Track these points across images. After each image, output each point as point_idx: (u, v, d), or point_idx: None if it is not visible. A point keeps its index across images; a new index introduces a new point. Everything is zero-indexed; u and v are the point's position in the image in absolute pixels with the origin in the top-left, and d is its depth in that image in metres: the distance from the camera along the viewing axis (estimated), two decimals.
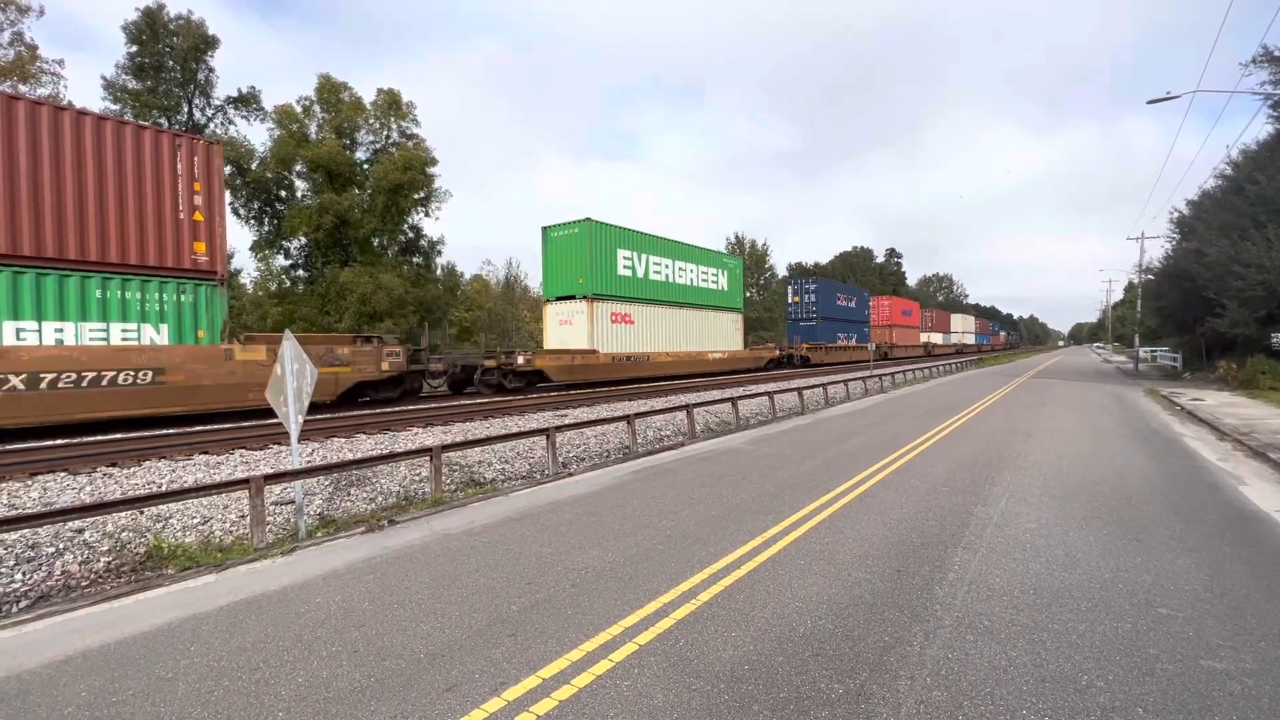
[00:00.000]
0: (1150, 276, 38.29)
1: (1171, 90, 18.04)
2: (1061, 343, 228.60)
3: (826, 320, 39.83)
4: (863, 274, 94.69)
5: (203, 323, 12.79)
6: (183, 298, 12.52)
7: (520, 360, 19.16)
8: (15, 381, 10.02)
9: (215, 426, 11.75)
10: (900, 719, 3.04)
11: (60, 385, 10.48)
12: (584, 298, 22.35)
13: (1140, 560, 5.21)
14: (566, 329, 22.87)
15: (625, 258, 24.09)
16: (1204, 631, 3.93)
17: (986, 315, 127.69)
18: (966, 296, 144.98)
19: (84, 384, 10.73)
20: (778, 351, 35.26)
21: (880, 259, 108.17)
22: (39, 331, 10.81)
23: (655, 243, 25.97)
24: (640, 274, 24.81)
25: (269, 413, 13.83)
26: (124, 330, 11.75)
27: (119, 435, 10.65)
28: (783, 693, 3.27)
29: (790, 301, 40.52)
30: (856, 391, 21.99)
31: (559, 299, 23.26)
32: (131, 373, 11.28)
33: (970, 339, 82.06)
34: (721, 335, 29.96)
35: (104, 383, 10.96)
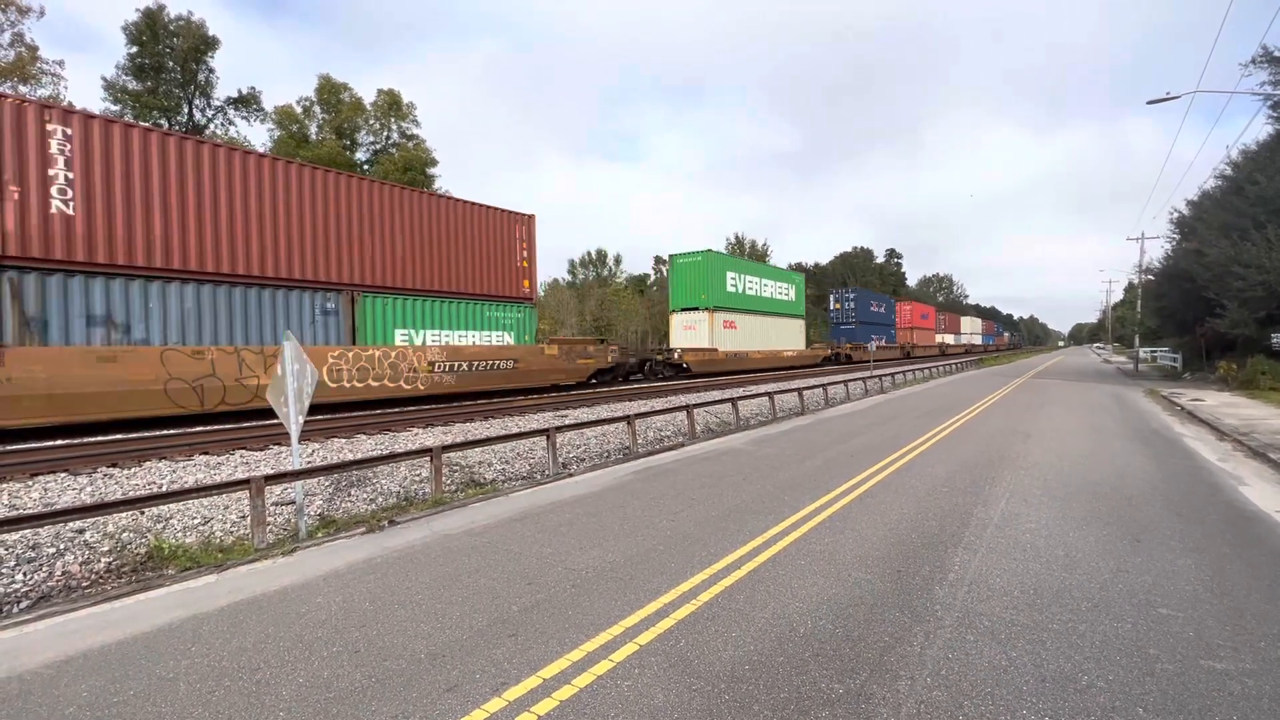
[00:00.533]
0: (1150, 277, 38.33)
1: (1171, 91, 18.02)
2: (1062, 343, 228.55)
3: (863, 324, 47.41)
4: (863, 274, 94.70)
5: (529, 331, 19.90)
6: (517, 315, 19.57)
7: (675, 355, 27.36)
8: (464, 365, 17.48)
9: (216, 427, 11.76)
10: (901, 718, 3.04)
11: (476, 369, 17.82)
12: (705, 309, 29.71)
13: (1140, 560, 5.21)
14: (690, 333, 30.04)
15: (732, 278, 31.63)
16: (1204, 632, 3.93)
17: (987, 316, 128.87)
18: (966, 297, 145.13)
19: (486, 368, 18.10)
20: (829, 350, 43.89)
21: (880, 259, 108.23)
22: (440, 336, 17.30)
23: (750, 265, 35.32)
24: (740, 290, 32.34)
25: (333, 407, 14.77)
26: (491, 337, 18.75)
27: (119, 436, 10.66)
28: (783, 693, 3.27)
29: (833, 308, 49.24)
30: (857, 392, 21.99)
31: (684, 309, 30.44)
32: (503, 362, 18.65)
33: (978, 339, 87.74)
34: (790, 337, 37.85)
35: (492, 367, 18.27)
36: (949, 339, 69.23)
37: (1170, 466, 9.20)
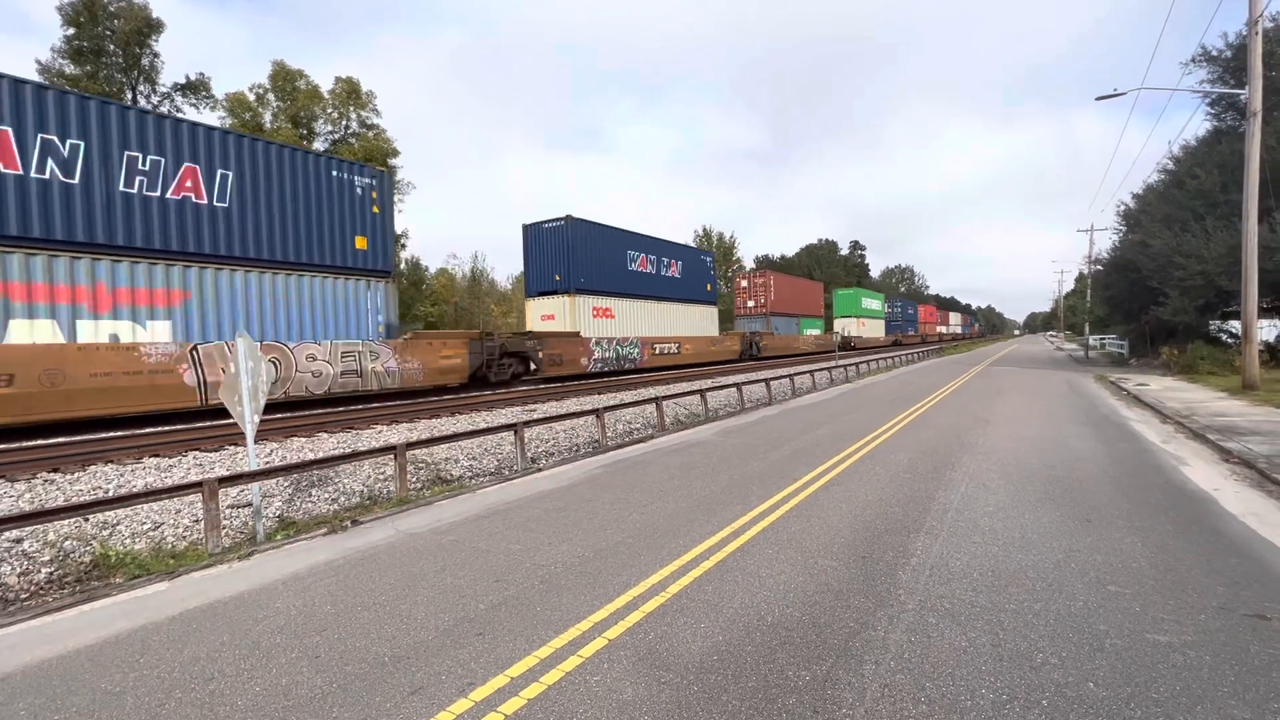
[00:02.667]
0: (1099, 267, 39.88)
1: (1118, 87, 18.68)
2: (1017, 332, 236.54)
3: (906, 320, 75.20)
4: (828, 266, 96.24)
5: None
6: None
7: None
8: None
9: (168, 428, 11.29)
10: (865, 702, 3.10)
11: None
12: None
13: (1091, 540, 5.42)
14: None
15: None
16: (1149, 607, 4.11)
17: (947, 306, 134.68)
18: (928, 288, 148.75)
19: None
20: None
21: (845, 251, 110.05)
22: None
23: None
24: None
25: (309, 403, 14.16)
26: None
27: (61, 439, 10.13)
28: (751, 682, 3.30)
29: (889, 311, 69.96)
30: (823, 382, 22.36)
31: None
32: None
33: (959, 329, 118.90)
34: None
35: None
36: (943, 329, 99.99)
37: (1118, 450, 9.60)
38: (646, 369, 26.04)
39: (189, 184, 13.08)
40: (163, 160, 12.63)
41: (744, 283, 44.48)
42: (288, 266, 14.68)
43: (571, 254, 23.47)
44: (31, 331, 11.01)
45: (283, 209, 14.67)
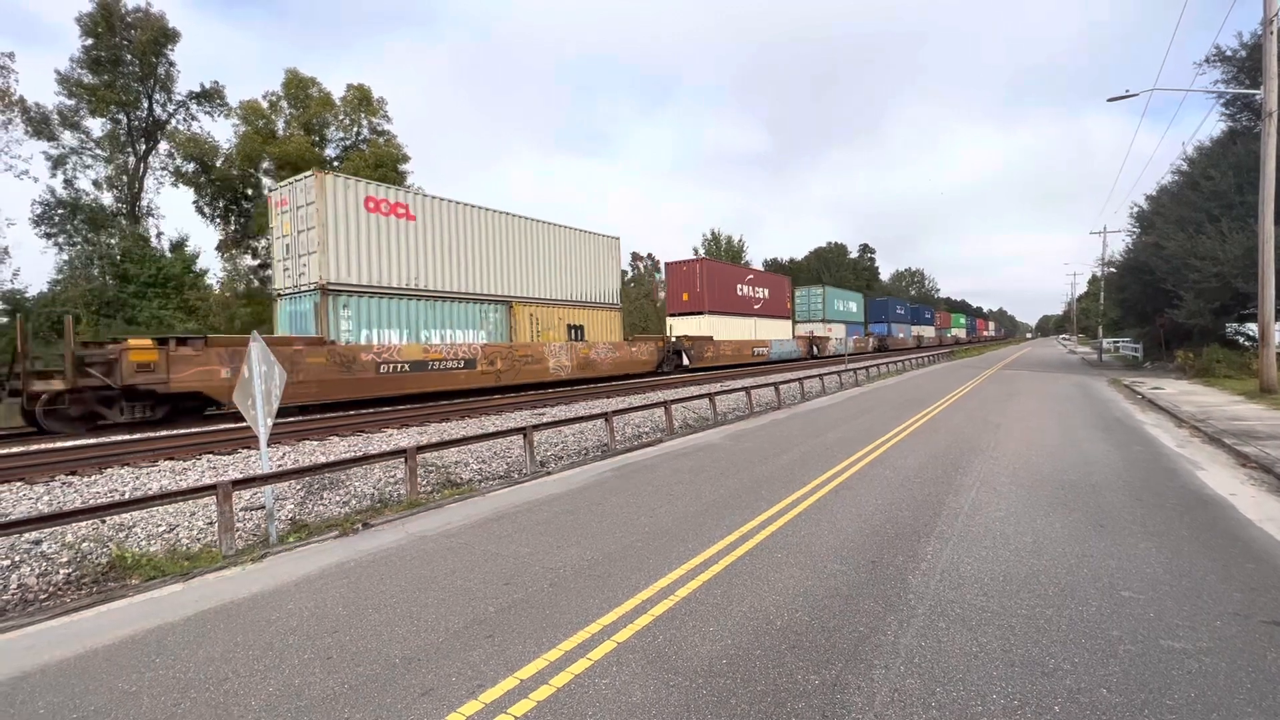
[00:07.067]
0: (1112, 269, 39.42)
1: (1130, 89, 18.58)
2: (1029, 335, 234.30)
3: (926, 324, 76.79)
4: (836, 269, 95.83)
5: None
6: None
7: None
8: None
9: (181, 431, 11.43)
10: (875, 707, 3.09)
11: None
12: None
13: (1104, 545, 5.37)
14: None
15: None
16: (1164, 613, 4.07)
17: (957, 309, 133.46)
18: (938, 291, 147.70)
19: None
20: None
21: (854, 254, 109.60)
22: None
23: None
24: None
25: (339, 405, 15.05)
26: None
27: (79, 443, 10.29)
28: (760, 686, 3.30)
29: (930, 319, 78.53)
30: (832, 385, 22.27)
31: None
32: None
33: (989, 332, 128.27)
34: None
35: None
36: (962, 334, 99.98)
37: (1132, 454, 9.49)
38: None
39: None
40: None
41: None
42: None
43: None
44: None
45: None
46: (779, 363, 36.60)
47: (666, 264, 35.03)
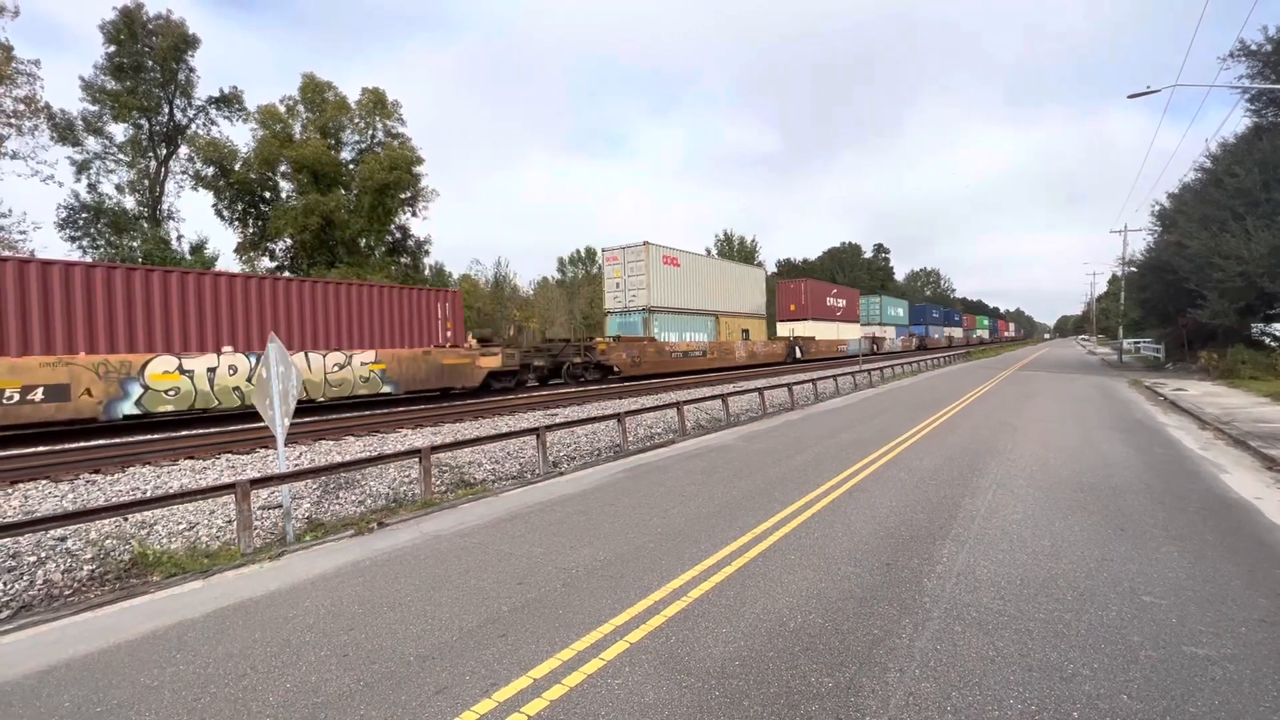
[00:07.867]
0: (1133, 269, 38.75)
1: (1151, 85, 18.22)
2: (1048, 335, 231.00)
3: (951, 324, 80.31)
4: (851, 270, 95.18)
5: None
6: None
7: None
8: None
9: (200, 431, 11.63)
10: (889, 710, 3.06)
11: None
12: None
13: (1125, 549, 5.28)
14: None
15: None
16: (1186, 618, 3.99)
17: (974, 310, 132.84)
18: (954, 291, 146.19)
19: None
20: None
21: (869, 254, 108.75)
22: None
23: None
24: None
25: (301, 410, 14.79)
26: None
27: (102, 441, 10.51)
28: (773, 688, 3.28)
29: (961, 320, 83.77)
30: (846, 386, 22.11)
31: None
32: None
33: (1010, 333, 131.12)
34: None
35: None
36: (984, 334, 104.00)
37: (1153, 456, 9.33)
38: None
39: None
40: None
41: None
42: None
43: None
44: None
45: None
46: (851, 357, 43.59)
47: (779, 282, 48.14)
